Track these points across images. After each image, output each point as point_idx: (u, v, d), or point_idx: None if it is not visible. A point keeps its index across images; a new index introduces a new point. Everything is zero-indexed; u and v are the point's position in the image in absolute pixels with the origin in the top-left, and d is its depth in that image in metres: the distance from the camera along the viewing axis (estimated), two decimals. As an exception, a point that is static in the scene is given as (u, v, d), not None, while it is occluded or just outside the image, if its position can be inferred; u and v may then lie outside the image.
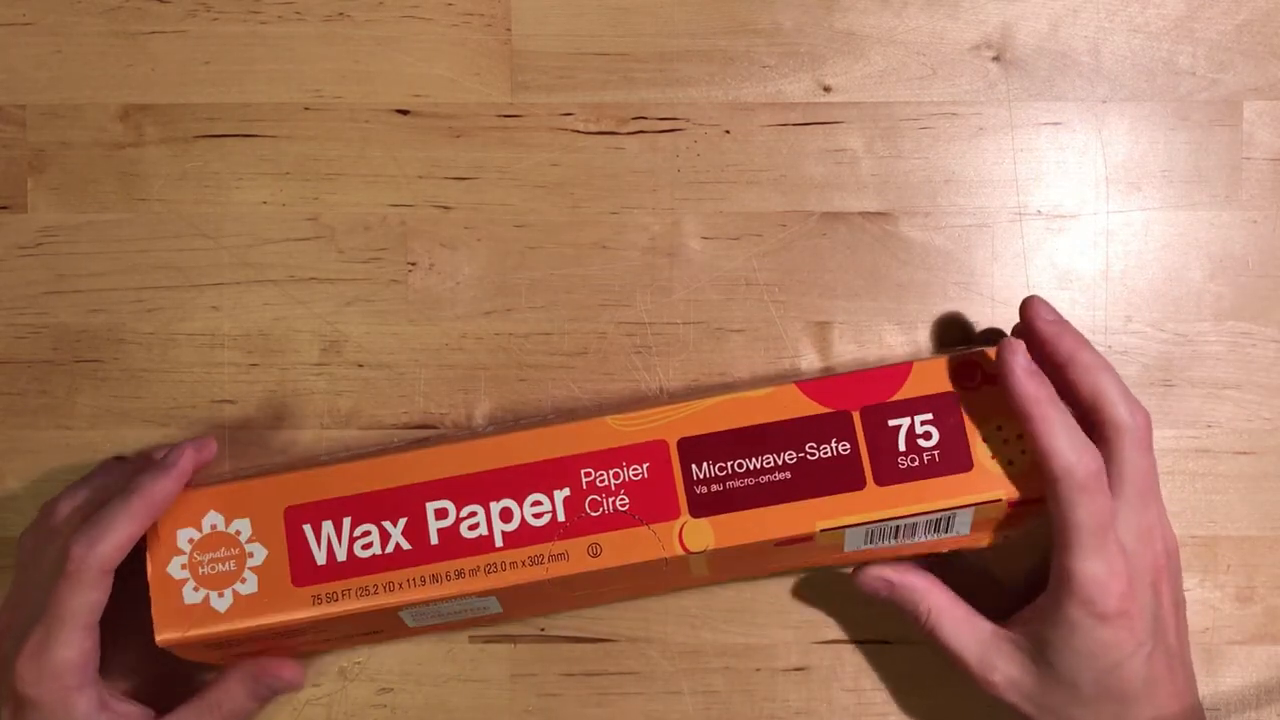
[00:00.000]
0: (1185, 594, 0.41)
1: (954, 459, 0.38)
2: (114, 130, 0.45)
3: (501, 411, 0.45)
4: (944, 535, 0.39)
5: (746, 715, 0.45)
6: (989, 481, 0.38)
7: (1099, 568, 0.37)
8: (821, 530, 0.38)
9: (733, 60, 0.44)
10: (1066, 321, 0.40)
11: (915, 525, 0.39)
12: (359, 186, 0.45)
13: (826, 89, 0.44)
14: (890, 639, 0.45)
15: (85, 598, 0.37)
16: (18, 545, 0.41)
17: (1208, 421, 0.45)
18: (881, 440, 0.38)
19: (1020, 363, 0.38)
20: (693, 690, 0.45)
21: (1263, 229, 0.45)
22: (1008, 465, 0.38)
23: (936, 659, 0.45)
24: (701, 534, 0.38)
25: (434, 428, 0.45)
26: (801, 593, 0.45)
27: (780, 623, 0.45)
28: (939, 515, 0.39)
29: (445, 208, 0.45)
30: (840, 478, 0.38)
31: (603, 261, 0.45)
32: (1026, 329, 0.40)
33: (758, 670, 0.45)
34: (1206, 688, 0.45)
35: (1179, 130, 0.44)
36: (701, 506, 0.38)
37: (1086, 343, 0.39)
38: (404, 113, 0.45)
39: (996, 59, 0.44)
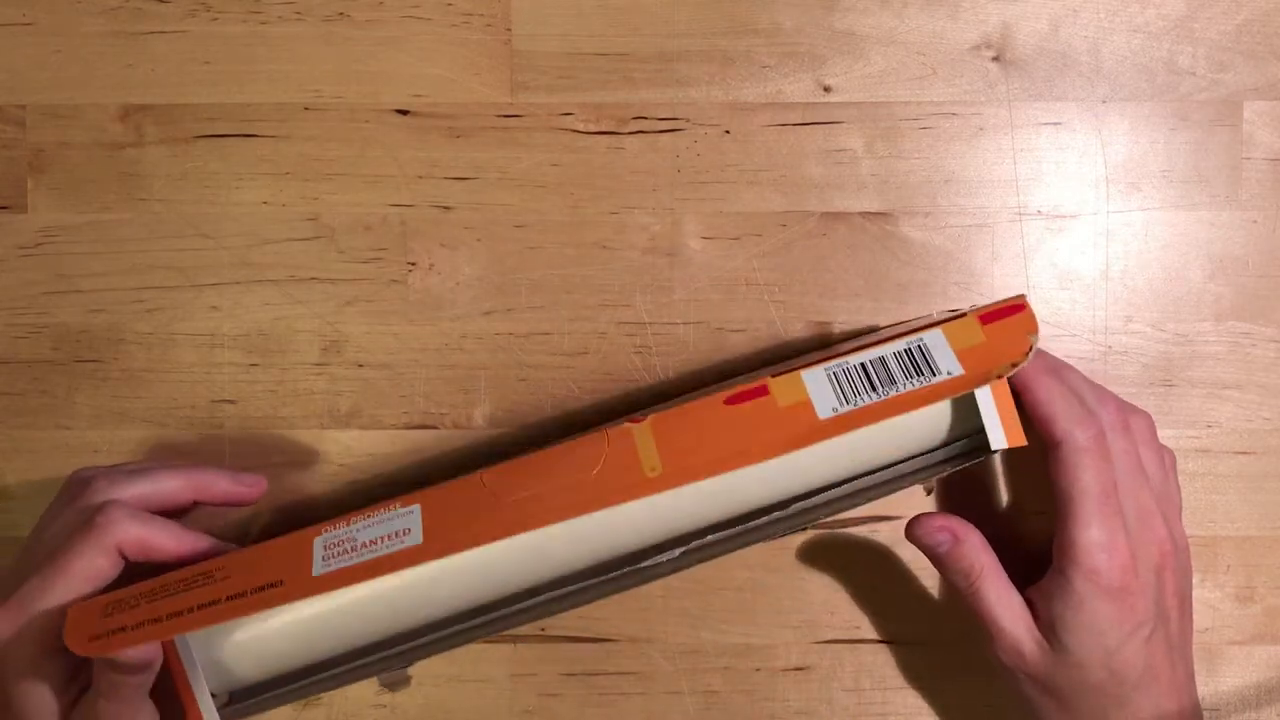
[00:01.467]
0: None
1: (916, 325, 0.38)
2: (114, 130, 0.45)
3: (501, 412, 0.45)
4: (930, 379, 0.37)
5: (746, 715, 0.45)
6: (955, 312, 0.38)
7: (1102, 536, 0.37)
8: (773, 378, 0.36)
9: (733, 60, 0.44)
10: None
11: (886, 362, 0.37)
12: (359, 186, 0.45)
13: (826, 89, 0.44)
14: (890, 639, 0.45)
15: (94, 562, 0.36)
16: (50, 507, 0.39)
17: (1208, 421, 0.45)
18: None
19: None
20: (693, 690, 0.45)
21: (1263, 229, 0.45)
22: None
23: (937, 659, 0.45)
24: (644, 425, 0.37)
25: (434, 428, 0.45)
26: (801, 593, 0.45)
27: (780, 623, 0.45)
28: (909, 345, 0.37)
29: (445, 208, 0.45)
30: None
31: (603, 261, 0.45)
32: None
33: (758, 670, 0.45)
34: (1206, 688, 0.45)
35: (1179, 130, 0.44)
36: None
37: (1044, 368, 0.39)
38: (404, 113, 0.45)
39: (996, 59, 0.44)
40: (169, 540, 0.37)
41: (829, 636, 0.45)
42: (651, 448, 0.36)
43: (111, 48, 0.45)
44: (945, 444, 0.39)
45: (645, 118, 0.45)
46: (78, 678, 0.37)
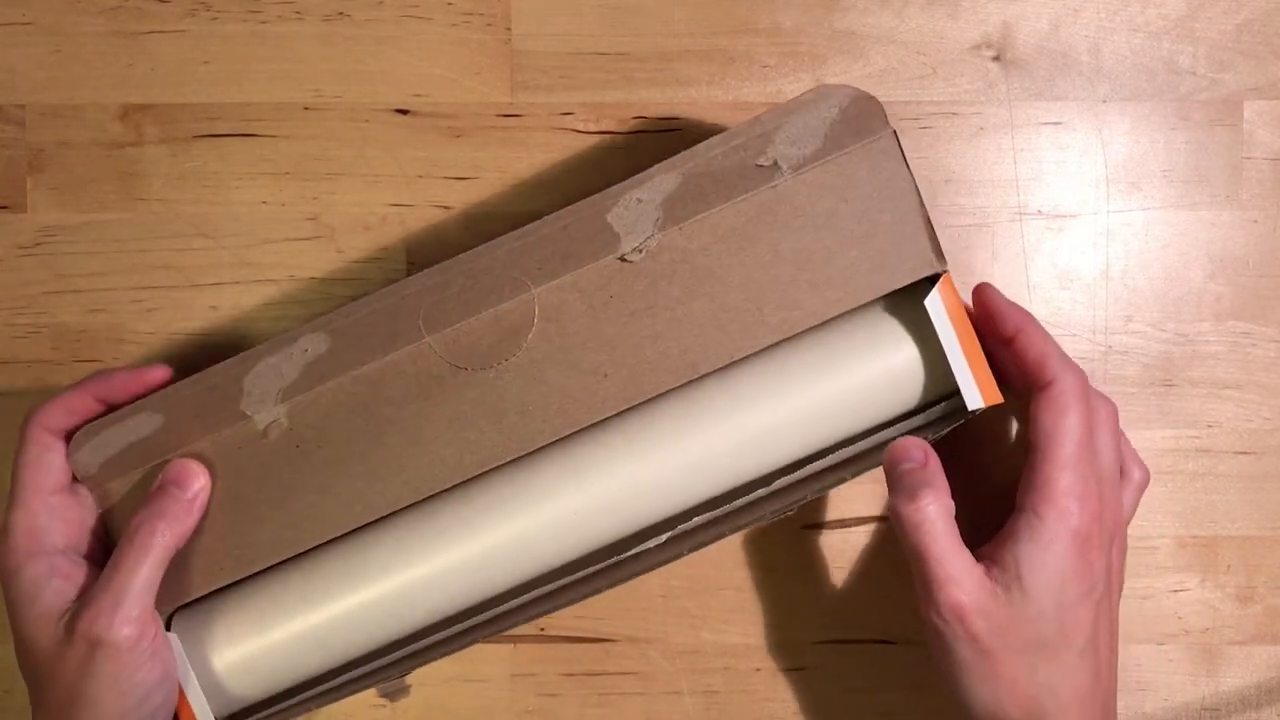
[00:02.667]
0: (1176, 594, 0.41)
1: None
2: (113, 130, 0.45)
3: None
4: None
5: (746, 715, 0.45)
6: None
7: (1077, 481, 0.36)
8: None
9: (733, 60, 0.44)
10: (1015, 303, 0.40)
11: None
12: (359, 186, 0.45)
13: (826, 89, 0.44)
14: (890, 639, 0.45)
15: (26, 456, 0.38)
16: None
17: (1208, 421, 0.45)
18: None
19: (1000, 293, 0.39)
20: (693, 690, 0.45)
21: (1263, 229, 0.45)
22: None
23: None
24: None
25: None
26: (801, 593, 0.45)
27: (780, 623, 0.45)
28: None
29: (445, 208, 0.45)
30: None
31: (603, 261, 0.45)
32: (980, 304, 0.39)
33: (758, 670, 0.45)
34: (1206, 688, 0.45)
35: (1179, 130, 0.44)
36: None
37: (1033, 318, 0.39)
38: (404, 113, 0.45)
39: (996, 59, 0.44)
40: (77, 391, 0.39)
41: (829, 636, 0.45)
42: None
43: (111, 47, 0.45)
44: (922, 408, 0.39)
45: (645, 118, 0.45)
46: (70, 576, 0.38)
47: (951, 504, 0.37)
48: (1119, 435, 0.39)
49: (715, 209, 0.37)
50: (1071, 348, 0.44)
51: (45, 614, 0.37)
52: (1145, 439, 0.44)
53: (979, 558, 0.37)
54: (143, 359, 0.45)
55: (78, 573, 0.38)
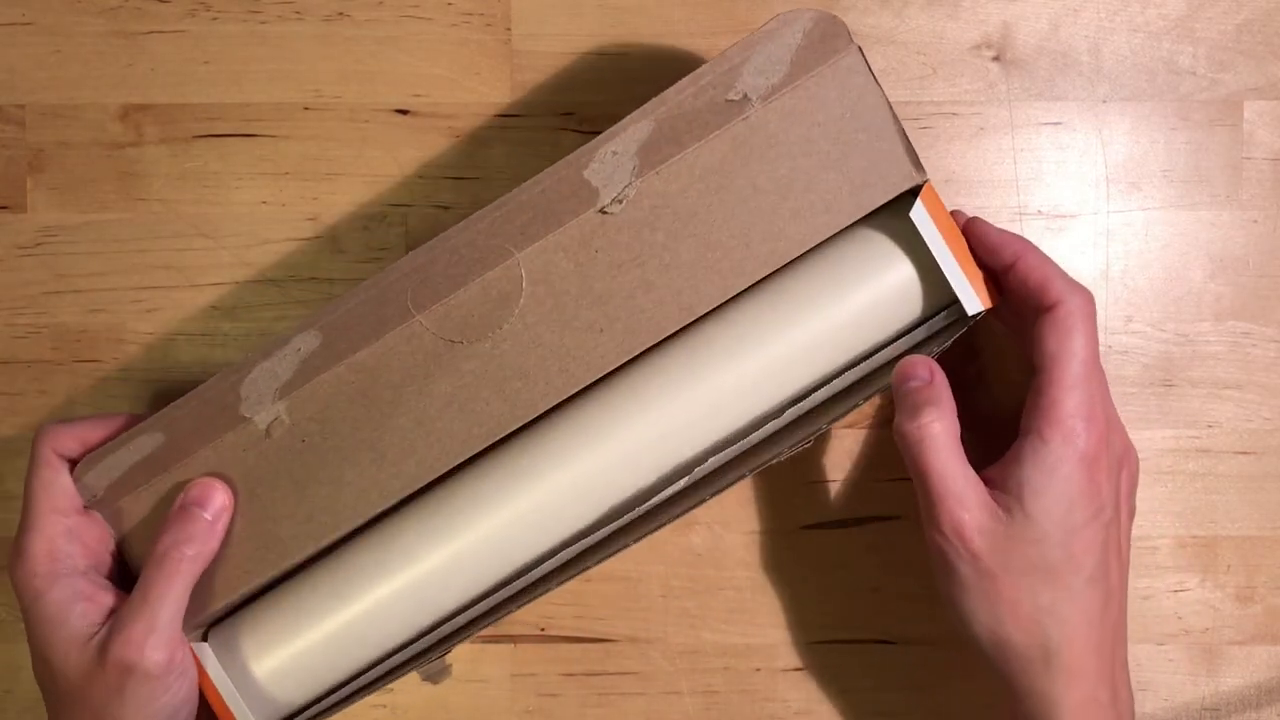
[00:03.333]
0: (1176, 594, 0.41)
1: None
2: (114, 130, 0.45)
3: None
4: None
5: (746, 715, 0.45)
6: None
7: (1084, 402, 0.36)
8: None
9: (733, 60, 0.44)
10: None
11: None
12: (359, 186, 0.45)
13: (826, 89, 0.44)
14: (890, 639, 0.45)
15: (38, 478, 0.38)
16: None
17: (1208, 421, 0.45)
18: None
19: (989, 224, 0.38)
20: (693, 690, 0.45)
21: (1263, 229, 0.45)
22: None
23: (937, 659, 0.45)
24: None
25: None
26: (801, 593, 0.45)
27: (780, 623, 0.45)
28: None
29: (445, 208, 0.45)
30: None
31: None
32: (973, 238, 0.39)
33: (758, 670, 0.45)
34: (1206, 688, 0.45)
35: (1179, 130, 0.44)
36: None
37: (1030, 243, 0.39)
38: (404, 113, 0.45)
39: (996, 59, 0.44)
40: (96, 427, 0.39)
41: (829, 636, 0.45)
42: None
43: (111, 47, 0.45)
44: (923, 321, 0.39)
45: (645, 118, 0.45)
46: (94, 598, 0.38)
47: (956, 424, 0.37)
48: (1095, 333, 0.38)
49: (690, 149, 0.37)
50: (1071, 348, 0.44)
51: (73, 637, 0.37)
52: (1145, 439, 0.44)
53: (984, 480, 0.37)
54: (143, 359, 0.45)
55: (102, 595, 0.38)
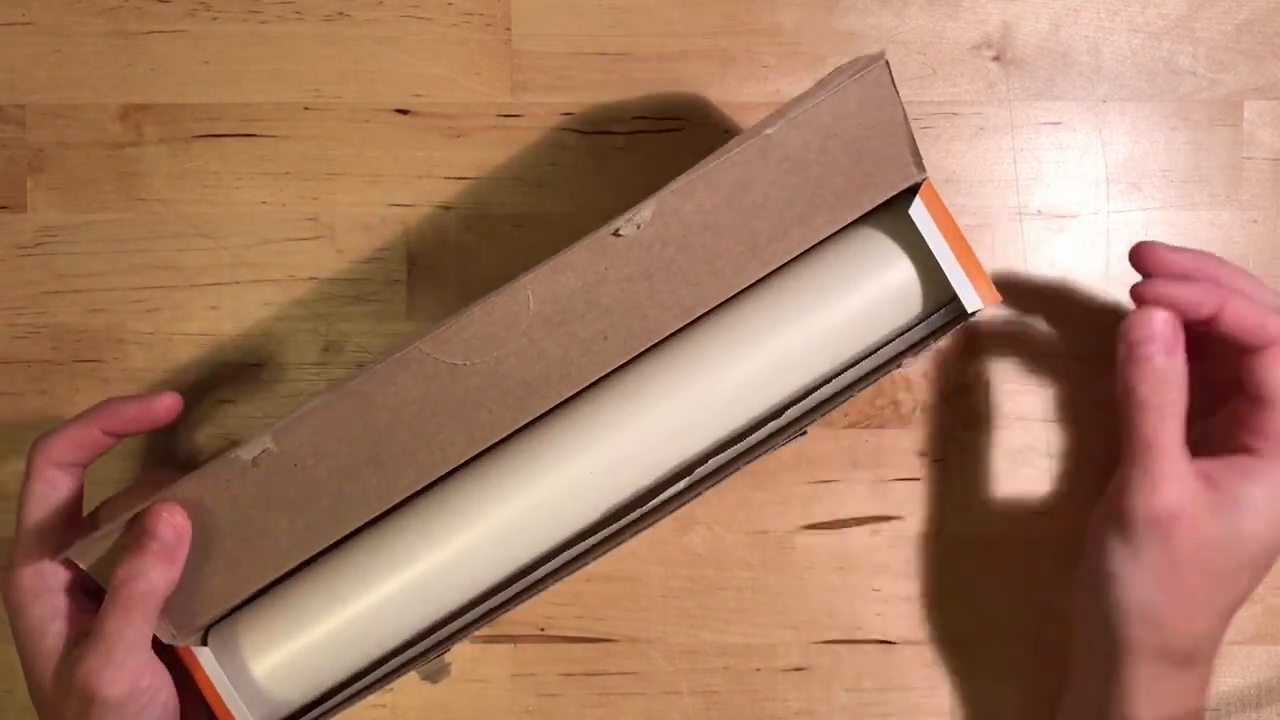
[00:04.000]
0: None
1: None
2: (114, 130, 0.45)
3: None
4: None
5: (746, 715, 0.45)
6: None
7: None
8: None
9: (733, 60, 0.44)
10: (1195, 257, 0.38)
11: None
12: (359, 186, 0.45)
13: (826, 89, 0.44)
14: (890, 639, 0.45)
15: (31, 492, 0.38)
16: None
17: (1208, 421, 0.45)
18: None
19: (1172, 256, 0.38)
20: (693, 690, 0.45)
21: (1263, 229, 0.45)
22: None
23: (937, 659, 0.45)
24: None
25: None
26: (801, 593, 0.45)
27: (780, 623, 0.45)
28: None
29: (445, 208, 0.45)
30: None
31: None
32: (1156, 294, 0.37)
33: (758, 670, 0.45)
34: (1206, 688, 0.45)
35: (1179, 130, 0.44)
36: None
37: (1226, 278, 0.38)
38: (404, 113, 0.45)
39: (996, 59, 0.44)
40: (81, 423, 0.38)
41: (829, 636, 0.45)
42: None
43: (111, 47, 0.45)
44: (922, 319, 0.39)
45: (645, 118, 0.45)
46: (72, 618, 0.38)
47: (1187, 399, 0.36)
48: None
49: (710, 166, 0.37)
50: (1071, 348, 0.44)
51: (47, 654, 0.37)
52: (1145, 439, 0.44)
53: (1204, 469, 0.37)
54: (143, 359, 0.45)
55: (80, 615, 0.38)
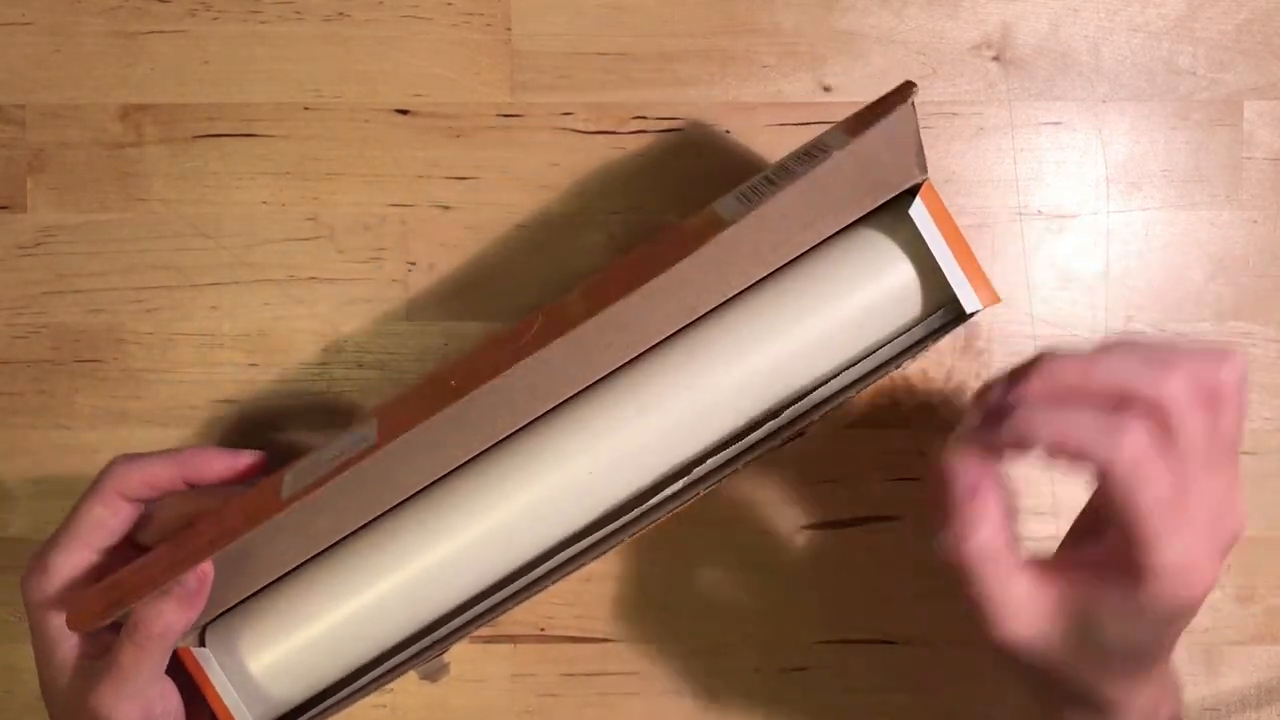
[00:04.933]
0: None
1: None
2: (114, 130, 0.45)
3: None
4: (822, 158, 0.35)
5: (746, 715, 0.45)
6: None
7: (1181, 557, 0.31)
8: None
9: (733, 60, 0.44)
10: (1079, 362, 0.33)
11: (785, 164, 0.36)
12: (359, 186, 0.45)
13: (826, 89, 0.44)
14: (890, 639, 0.45)
15: (90, 510, 0.38)
16: None
17: (1208, 421, 0.45)
18: None
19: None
20: (693, 690, 0.45)
21: (1263, 229, 0.45)
22: None
23: (937, 659, 0.45)
24: (575, 293, 0.37)
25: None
26: (802, 592, 0.45)
27: (780, 623, 0.45)
28: (807, 146, 0.36)
29: (445, 208, 0.45)
30: None
31: (604, 260, 0.45)
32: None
33: (758, 670, 0.45)
34: (1207, 688, 0.45)
35: (1179, 130, 0.44)
36: None
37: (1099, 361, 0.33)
38: (404, 112, 0.45)
39: (996, 59, 0.44)
40: (165, 465, 0.38)
41: (829, 636, 0.45)
42: (579, 301, 0.38)
43: (111, 47, 0.45)
44: (921, 320, 0.39)
45: (645, 117, 0.45)
46: (93, 635, 0.38)
47: (1006, 526, 0.33)
48: (1239, 398, 0.34)
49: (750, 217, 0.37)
50: (1071, 348, 0.44)
51: (62, 666, 0.37)
52: (1145, 439, 0.44)
53: (1056, 572, 0.33)
54: (143, 359, 0.45)
55: (102, 633, 0.38)
